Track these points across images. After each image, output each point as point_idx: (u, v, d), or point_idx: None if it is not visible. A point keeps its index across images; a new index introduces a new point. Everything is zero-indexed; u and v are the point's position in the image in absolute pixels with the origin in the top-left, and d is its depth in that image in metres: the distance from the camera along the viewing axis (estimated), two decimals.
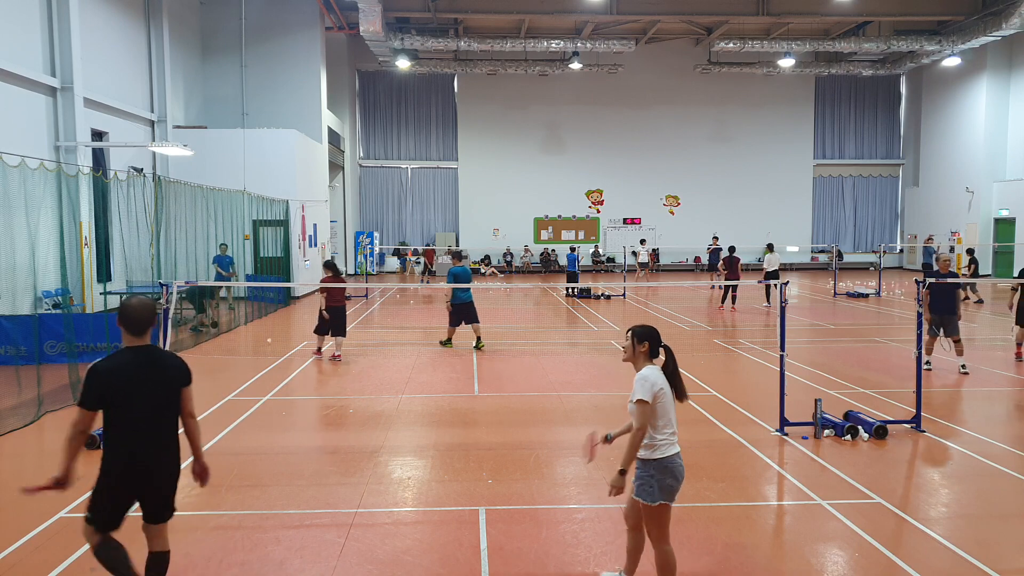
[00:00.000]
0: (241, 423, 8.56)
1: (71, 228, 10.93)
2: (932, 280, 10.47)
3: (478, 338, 13.47)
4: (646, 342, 4.40)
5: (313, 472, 6.88)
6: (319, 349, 12.74)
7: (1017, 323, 12.05)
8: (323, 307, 12.30)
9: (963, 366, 11.15)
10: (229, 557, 5.17)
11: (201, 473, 4.48)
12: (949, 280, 10.95)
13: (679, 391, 4.37)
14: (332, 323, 12.38)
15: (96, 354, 11.48)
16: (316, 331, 12.68)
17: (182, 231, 15.48)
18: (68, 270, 10.87)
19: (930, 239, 27.46)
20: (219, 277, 16.45)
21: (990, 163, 29.69)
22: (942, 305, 11.10)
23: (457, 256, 14.05)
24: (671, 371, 4.38)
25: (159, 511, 4.36)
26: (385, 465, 7.10)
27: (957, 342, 11.14)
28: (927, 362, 11.27)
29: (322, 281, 12.56)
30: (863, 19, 26.90)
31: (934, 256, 11.78)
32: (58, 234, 10.73)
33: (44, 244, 10.38)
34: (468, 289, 13.28)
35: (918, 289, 8.08)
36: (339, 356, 12.42)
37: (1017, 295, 11.99)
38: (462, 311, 13.37)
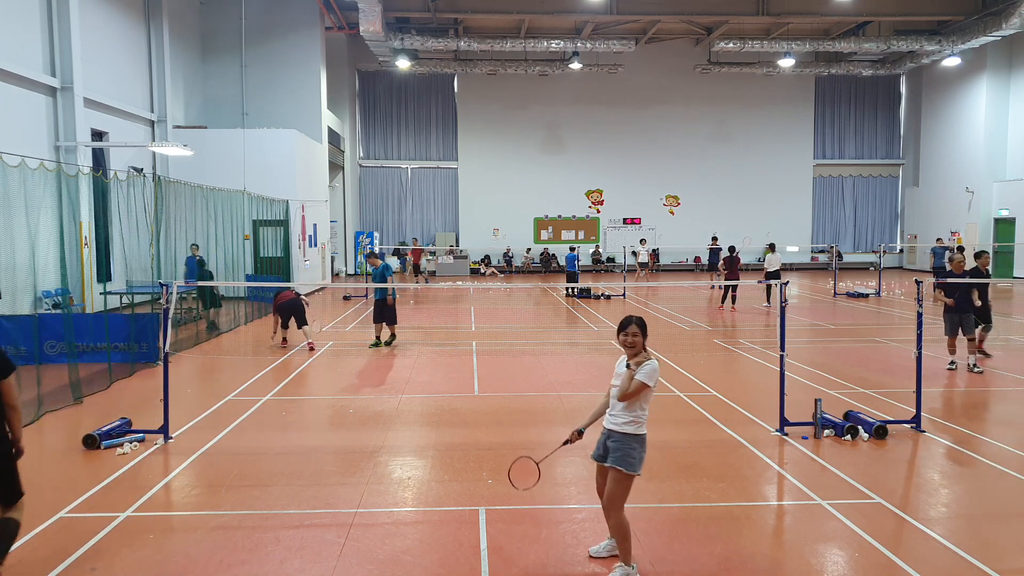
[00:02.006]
0: (241, 423, 8.55)
1: (71, 228, 10.91)
2: (945, 281, 10.68)
3: (391, 335, 13.91)
4: (642, 333, 4.97)
5: (313, 472, 6.88)
6: (311, 346, 13.55)
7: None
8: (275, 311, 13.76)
9: (973, 365, 11.23)
10: (229, 557, 5.17)
11: (16, 455, 4.77)
12: (961, 280, 11.06)
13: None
14: (296, 317, 13.55)
15: (96, 354, 11.49)
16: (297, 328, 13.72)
17: (182, 231, 15.47)
18: (68, 270, 10.85)
19: (940, 241, 27.34)
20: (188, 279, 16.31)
21: (990, 163, 29.70)
22: (961, 304, 11.22)
23: (377, 255, 14.55)
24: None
25: (5, 495, 4.62)
26: (385, 465, 7.10)
27: (971, 340, 11.26)
28: (952, 363, 11.41)
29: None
30: (863, 19, 26.90)
31: (947, 257, 11.91)
32: (58, 234, 10.71)
33: (44, 244, 10.36)
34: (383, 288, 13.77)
35: (918, 288, 8.08)
36: (312, 344, 13.53)
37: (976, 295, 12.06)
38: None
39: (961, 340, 11.41)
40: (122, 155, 19.00)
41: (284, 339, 13.82)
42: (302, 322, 13.57)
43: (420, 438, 8.06)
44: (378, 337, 13.79)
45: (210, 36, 24.99)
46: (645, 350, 4.92)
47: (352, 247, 32.38)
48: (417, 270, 29.41)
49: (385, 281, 13.56)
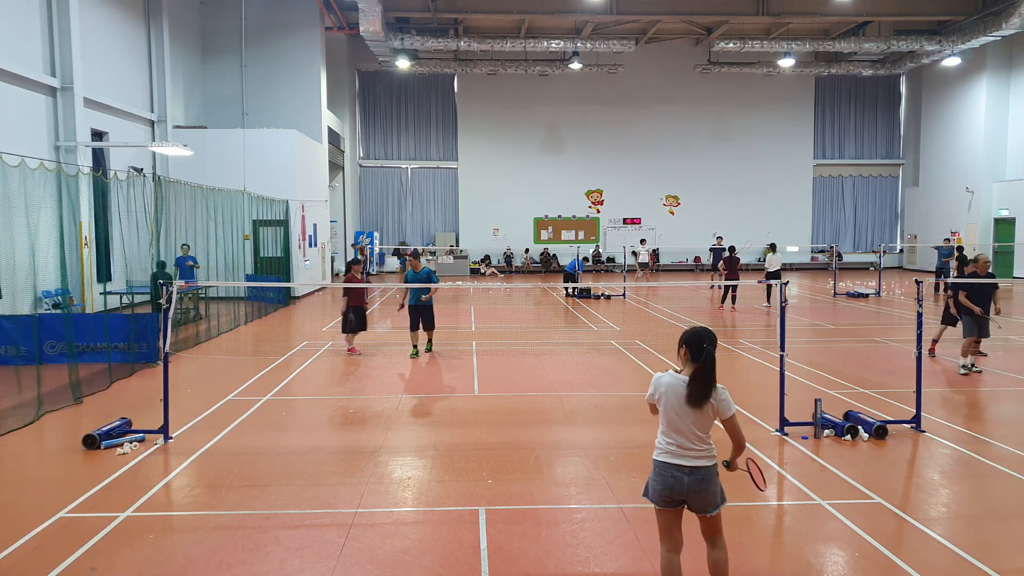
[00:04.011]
0: (241, 423, 8.55)
1: (71, 228, 10.91)
2: (973, 280, 10.77)
3: (429, 340, 13.07)
4: (684, 346, 4.26)
5: (313, 472, 6.88)
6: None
7: (942, 322, 12.44)
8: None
9: (973, 365, 11.23)
10: (229, 557, 5.17)
11: None
12: (985, 280, 11.03)
13: (690, 395, 4.14)
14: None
15: (96, 354, 11.49)
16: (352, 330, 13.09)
17: (182, 231, 15.47)
18: (68, 270, 10.86)
19: (947, 241, 27.24)
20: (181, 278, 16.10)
21: (990, 163, 29.71)
22: (982, 306, 11.08)
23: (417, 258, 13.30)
24: (695, 374, 4.17)
25: None
26: (385, 465, 7.09)
27: (978, 341, 11.23)
28: (963, 365, 11.14)
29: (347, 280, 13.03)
30: (863, 19, 26.91)
31: (974, 259, 11.84)
32: (58, 234, 10.72)
33: (44, 244, 10.37)
34: (416, 291, 12.65)
35: (918, 288, 8.09)
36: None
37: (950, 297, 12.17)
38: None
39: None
40: (122, 155, 19.00)
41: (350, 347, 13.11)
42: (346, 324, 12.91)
43: (420, 438, 8.06)
44: (415, 345, 12.78)
45: (210, 36, 24.99)
46: (685, 362, 4.29)
47: (352, 247, 32.39)
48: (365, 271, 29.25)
49: (435, 283, 12.56)
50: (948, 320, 12.23)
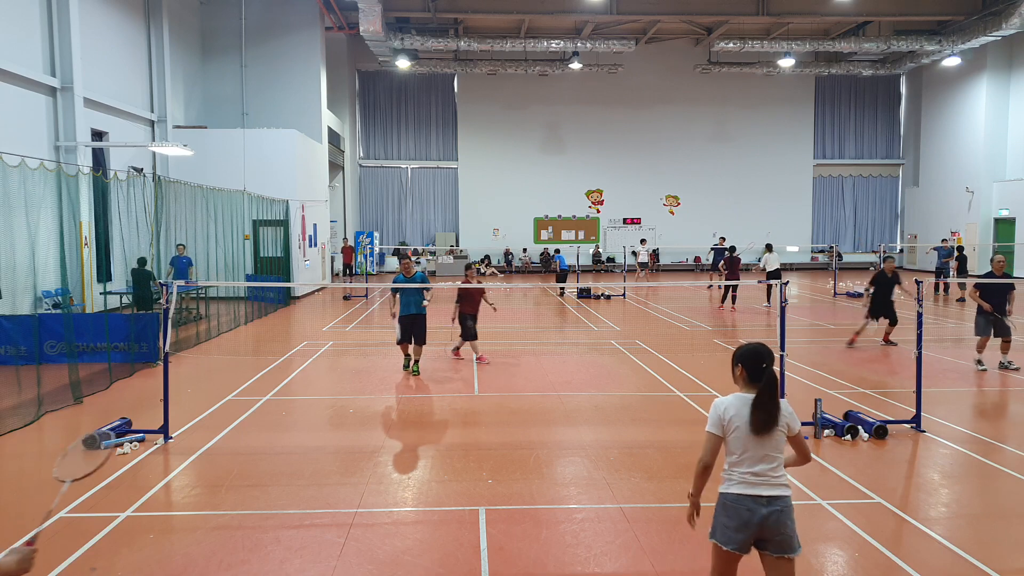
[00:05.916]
0: (241, 423, 8.55)
1: (71, 228, 10.92)
2: (986, 280, 10.83)
3: (415, 361, 11.38)
4: (739, 365, 3.84)
5: (313, 472, 6.88)
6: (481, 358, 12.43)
7: (871, 316, 13.54)
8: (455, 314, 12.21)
9: (1010, 363, 11.12)
10: (229, 557, 5.17)
11: None
12: (1001, 280, 10.97)
13: (753, 422, 3.69)
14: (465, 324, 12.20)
15: (96, 354, 11.49)
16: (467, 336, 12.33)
17: (182, 231, 15.48)
18: (68, 270, 10.86)
19: (945, 242, 27.27)
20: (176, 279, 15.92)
21: (990, 163, 29.72)
22: (996, 305, 11.08)
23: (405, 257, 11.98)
24: (758, 398, 3.74)
25: None
26: (385, 465, 7.09)
27: (1007, 341, 11.13)
28: (979, 361, 11.26)
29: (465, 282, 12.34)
30: (863, 19, 26.91)
31: (991, 259, 11.83)
32: (58, 234, 10.72)
33: (44, 244, 10.37)
34: (408, 299, 11.16)
35: (918, 288, 8.09)
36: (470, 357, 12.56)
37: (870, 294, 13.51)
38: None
39: (993, 341, 11.26)
40: (122, 155, 19.00)
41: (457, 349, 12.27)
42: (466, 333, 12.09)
43: (420, 438, 8.05)
44: (408, 355, 11.41)
45: (210, 36, 25.00)
46: (743, 383, 3.85)
47: (352, 247, 32.39)
48: (350, 270, 29.23)
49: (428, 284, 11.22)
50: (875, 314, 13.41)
